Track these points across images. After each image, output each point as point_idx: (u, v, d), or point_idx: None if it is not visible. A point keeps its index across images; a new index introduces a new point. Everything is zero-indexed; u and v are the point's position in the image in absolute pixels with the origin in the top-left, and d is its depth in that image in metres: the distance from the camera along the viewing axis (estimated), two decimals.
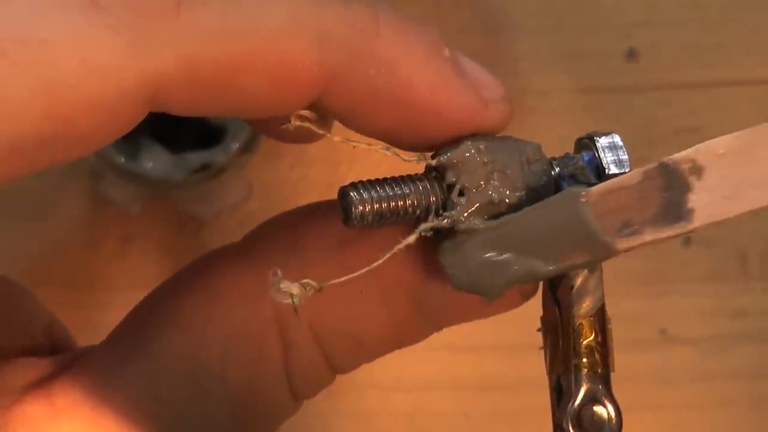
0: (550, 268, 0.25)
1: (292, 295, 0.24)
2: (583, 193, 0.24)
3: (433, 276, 0.27)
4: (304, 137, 0.25)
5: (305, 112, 0.25)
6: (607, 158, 0.26)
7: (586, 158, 0.27)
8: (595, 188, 0.24)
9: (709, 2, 0.54)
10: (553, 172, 0.26)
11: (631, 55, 0.54)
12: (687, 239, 0.53)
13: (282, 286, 0.24)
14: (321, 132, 0.25)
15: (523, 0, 0.54)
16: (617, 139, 0.27)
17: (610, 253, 0.24)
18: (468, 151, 0.26)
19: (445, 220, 0.25)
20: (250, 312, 0.27)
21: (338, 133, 0.26)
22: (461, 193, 0.25)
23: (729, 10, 0.54)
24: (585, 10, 0.54)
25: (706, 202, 0.24)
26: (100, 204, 0.52)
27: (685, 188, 0.24)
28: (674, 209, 0.24)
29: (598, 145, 0.27)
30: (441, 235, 0.26)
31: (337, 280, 0.25)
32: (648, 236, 0.24)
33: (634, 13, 0.54)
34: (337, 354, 0.28)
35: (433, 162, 0.26)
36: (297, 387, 0.28)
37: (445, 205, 0.26)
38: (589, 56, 0.54)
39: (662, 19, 0.54)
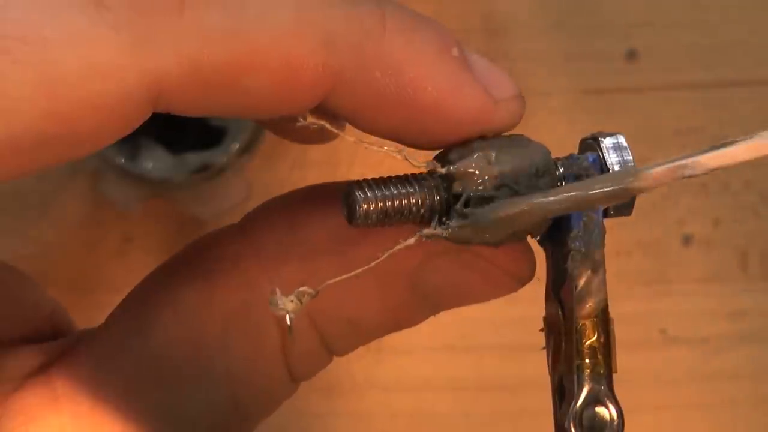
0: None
1: (287, 312, 0.24)
2: None
3: (430, 259, 0.27)
4: (316, 137, 0.25)
5: (313, 114, 0.24)
6: (611, 159, 0.26)
7: (590, 159, 0.27)
8: None
9: (709, 3, 0.54)
10: (557, 173, 0.26)
11: (631, 55, 0.54)
12: (687, 239, 0.53)
13: (279, 302, 0.24)
14: (335, 132, 0.25)
15: (523, 0, 0.54)
16: (622, 139, 0.26)
17: None
18: (478, 162, 0.25)
19: (447, 231, 0.25)
20: (249, 294, 0.27)
21: (349, 133, 0.26)
22: (466, 204, 0.25)
23: (729, 11, 0.54)
24: (585, 10, 0.54)
25: None
26: (100, 204, 0.52)
27: None
28: None
29: (602, 145, 0.26)
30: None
31: (333, 280, 0.25)
32: None
33: (634, 13, 0.54)
34: (333, 337, 0.28)
35: (443, 171, 0.25)
36: (295, 368, 0.28)
37: (449, 209, 0.26)
38: (589, 57, 0.54)
39: (662, 19, 0.54)
